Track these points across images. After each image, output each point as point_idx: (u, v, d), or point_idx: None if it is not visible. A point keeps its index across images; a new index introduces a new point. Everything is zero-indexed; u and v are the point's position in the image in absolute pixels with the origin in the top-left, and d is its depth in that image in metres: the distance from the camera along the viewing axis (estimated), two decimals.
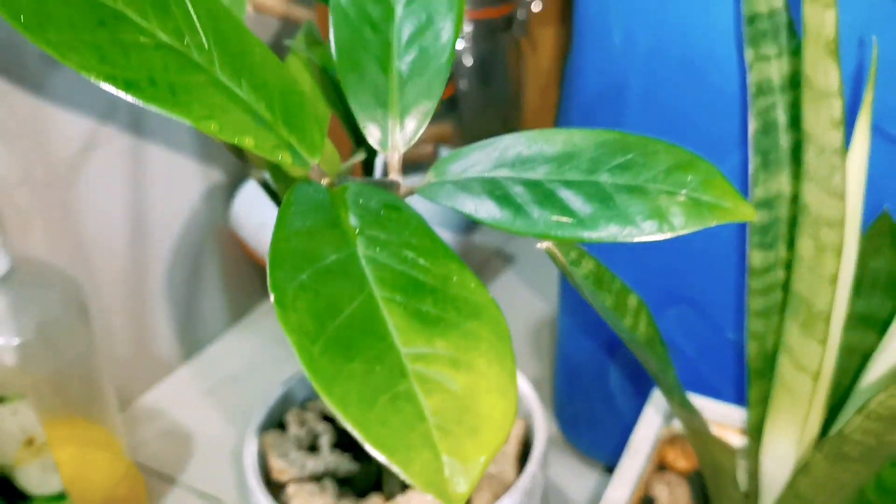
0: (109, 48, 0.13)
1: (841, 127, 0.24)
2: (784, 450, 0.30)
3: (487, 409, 0.12)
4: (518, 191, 0.19)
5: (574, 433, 0.52)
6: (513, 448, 0.38)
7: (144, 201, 0.51)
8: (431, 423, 0.12)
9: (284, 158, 0.15)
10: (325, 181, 0.16)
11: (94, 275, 0.49)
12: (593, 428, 0.51)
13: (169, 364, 0.57)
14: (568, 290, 0.48)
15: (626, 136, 0.19)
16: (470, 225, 0.63)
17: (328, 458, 0.38)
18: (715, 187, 0.18)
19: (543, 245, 0.22)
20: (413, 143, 0.21)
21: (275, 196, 0.28)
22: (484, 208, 0.19)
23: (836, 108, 0.24)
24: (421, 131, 0.21)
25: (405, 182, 0.21)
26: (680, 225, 0.17)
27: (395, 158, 0.21)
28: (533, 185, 0.19)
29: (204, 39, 0.14)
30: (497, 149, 0.20)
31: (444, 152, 0.62)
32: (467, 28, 0.73)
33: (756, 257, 0.31)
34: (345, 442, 0.41)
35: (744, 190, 0.36)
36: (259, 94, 0.15)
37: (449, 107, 0.69)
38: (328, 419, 0.41)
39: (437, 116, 0.71)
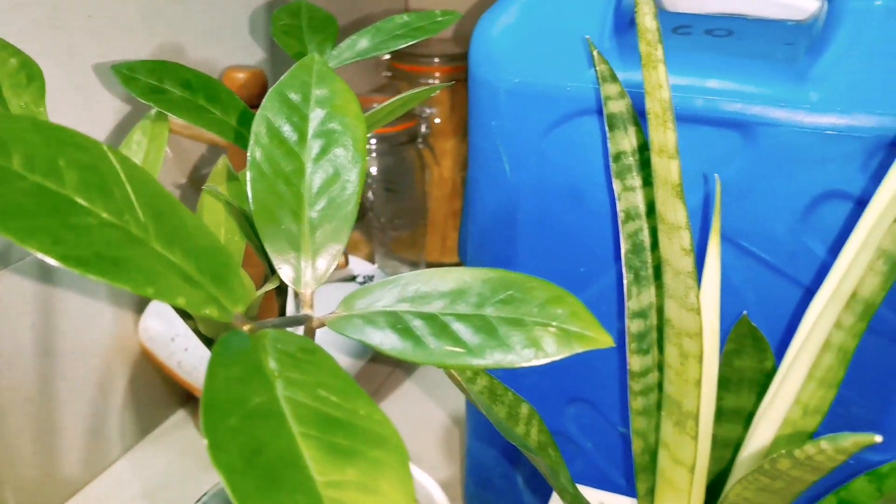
0: (61, 231, 0.15)
1: (691, 254, 0.28)
2: None
3: None
4: (417, 324, 0.21)
5: None
6: None
7: (53, 317, 0.51)
8: None
9: (211, 312, 0.17)
10: (246, 328, 0.19)
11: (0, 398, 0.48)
12: None
13: (76, 483, 0.56)
14: None
15: (507, 273, 0.23)
16: None
17: None
18: (580, 319, 0.21)
19: (447, 372, 0.25)
20: (324, 281, 0.24)
21: (200, 334, 0.30)
22: (388, 340, 0.21)
23: (686, 238, 0.28)
24: (331, 270, 0.24)
25: (317, 316, 0.24)
26: (552, 352, 0.20)
27: (307, 294, 0.24)
28: (430, 319, 0.22)
29: (141, 215, 0.17)
30: (398, 285, 0.23)
31: (354, 261, 0.65)
32: (372, 142, 0.77)
33: (635, 362, 0.35)
34: None
35: (622, 301, 0.40)
36: (190, 257, 0.17)
37: (358, 216, 0.72)
38: None
39: None
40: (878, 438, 0.17)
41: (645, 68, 0.26)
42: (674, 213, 0.28)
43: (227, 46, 0.61)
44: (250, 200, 0.24)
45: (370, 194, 0.75)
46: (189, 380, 0.59)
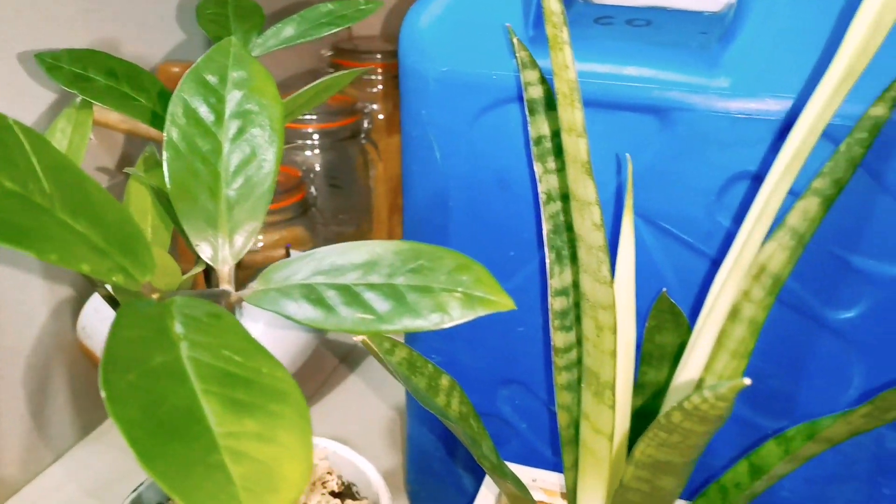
0: None
1: (601, 229, 0.30)
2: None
3: (287, 473, 0.15)
4: (330, 294, 0.22)
5: None
6: None
7: None
8: (238, 486, 0.15)
9: (118, 279, 0.18)
10: (155, 296, 0.19)
11: None
12: None
13: (14, 485, 0.55)
14: None
15: (418, 245, 0.24)
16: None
17: None
18: (484, 284, 0.22)
19: (358, 339, 0.26)
20: (241, 257, 0.25)
21: (117, 307, 0.30)
22: (301, 311, 0.22)
23: (596, 214, 0.29)
24: (248, 247, 0.25)
25: (235, 291, 0.24)
26: (457, 316, 0.21)
27: (225, 271, 0.24)
28: (343, 289, 0.22)
29: (46, 186, 0.18)
30: (315, 259, 0.24)
31: (295, 254, 0.65)
32: (316, 137, 0.77)
33: (559, 338, 0.36)
34: None
35: (545, 282, 0.41)
36: (96, 228, 0.18)
37: (300, 211, 0.73)
38: None
39: (288, 221, 0.75)
40: (747, 381, 0.18)
41: (552, 50, 0.27)
42: (584, 189, 0.29)
43: (163, 41, 0.61)
44: (167, 179, 0.24)
45: (313, 190, 0.76)
46: None
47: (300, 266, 0.24)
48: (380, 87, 0.84)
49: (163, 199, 0.31)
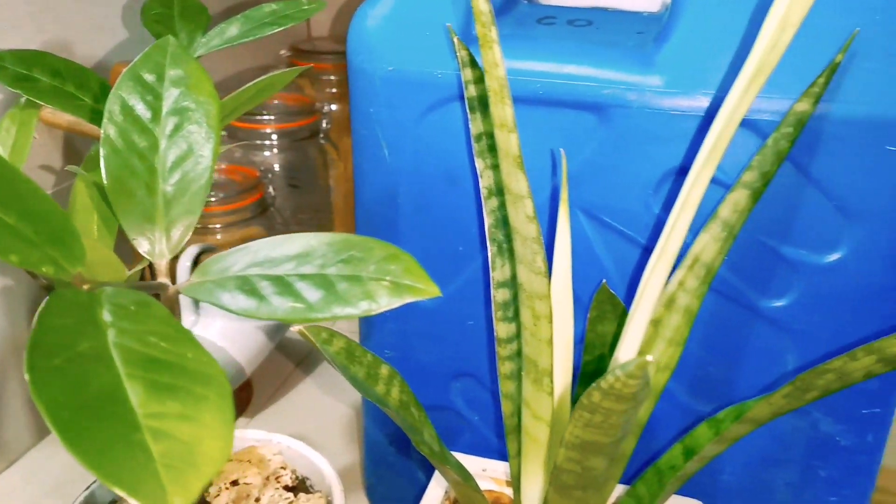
0: None
1: (535, 221, 0.31)
2: (535, 491, 0.35)
3: (207, 450, 0.16)
4: (263, 285, 0.23)
5: None
6: None
7: None
8: (159, 463, 0.15)
9: (48, 270, 0.19)
10: (85, 286, 0.20)
11: None
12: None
13: None
14: None
15: (350, 236, 0.24)
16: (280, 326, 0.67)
17: None
18: (412, 273, 0.23)
19: (296, 329, 0.26)
20: (179, 251, 0.25)
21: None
22: (235, 301, 0.23)
23: (529, 206, 0.30)
24: (185, 241, 0.25)
25: (172, 284, 0.25)
26: (385, 303, 0.22)
27: (162, 265, 0.25)
28: (276, 280, 0.23)
29: None
30: (250, 252, 0.24)
31: None
32: (274, 138, 0.78)
33: (501, 329, 0.37)
34: None
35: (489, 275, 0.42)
36: (26, 220, 0.19)
37: (258, 211, 0.73)
38: None
39: (247, 221, 0.75)
40: (650, 358, 0.19)
41: (482, 48, 0.28)
42: (516, 183, 0.30)
43: (116, 42, 0.61)
44: (104, 176, 0.25)
45: (271, 190, 0.76)
46: None
47: (236, 258, 0.24)
48: (336, 88, 0.84)
49: (104, 194, 0.32)
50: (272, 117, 0.77)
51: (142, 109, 0.26)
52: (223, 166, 0.74)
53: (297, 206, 0.83)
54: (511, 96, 0.29)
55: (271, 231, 0.77)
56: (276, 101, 0.79)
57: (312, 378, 0.72)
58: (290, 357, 0.75)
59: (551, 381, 0.33)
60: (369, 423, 0.54)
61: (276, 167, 0.80)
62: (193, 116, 0.26)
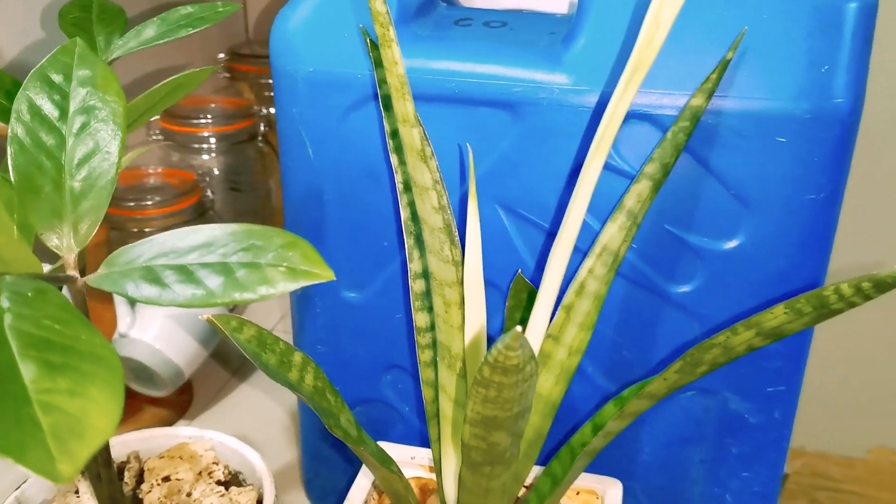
0: None
1: (440, 211, 0.32)
2: (452, 471, 0.36)
3: (95, 422, 0.17)
4: (167, 274, 0.24)
5: None
6: None
7: None
8: (48, 433, 0.16)
9: None
10: None
11: None
12: (340, 499, 0.55)
13: None
14: None
15: (252, 226, 0.26)
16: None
17: None
18: (309, 259, 0.24)
19: (205, 317, 0.27)
20: (86, 244, 0.26)
21: None
22: (139, 291, 0.24)
23: (434, 198, 0.32)
24: (92, 235, 0.26)
25: (80, 277, 0.26)
26: (281, 287, 0.23)
27: (70, 259, 0.26)
28: (179, 269, 0.24)
29: None
30: (157, 243, 0.26)
31: None
32: (212, 140, 0.78)
33: (420, 318, 0.38)
34: None
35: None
36: None
37: (195, 214, 0.73)
38: None
39: (185, 224, 0.75)
40: (519, 329, 0.21)
41: (382, 48, 0.30)
42: (421, 175, 0.31)
43: (46, 47, 0.61)
44: (11, 173, 0.26)
45: (210, 193, 0.76)
46: None
47: (143, 249, 0.25)
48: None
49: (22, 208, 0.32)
50: (209, 120, 0.77)
51: (49, 108, 0.27)
52: (160, 170, 0.74)
53: (237, 210, 0.83)
54: (411, 93, 0.31)
55: None
56: (213, 105, 0.80)
57: (252, 382, 0.73)
58: (230, 362, 0.76)
59: (464, 366, 0.34)
60: (305, 419, 0.54)
61: (216, 170, 0.80)
62: (100, 115, 0.27)
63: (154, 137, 0.78)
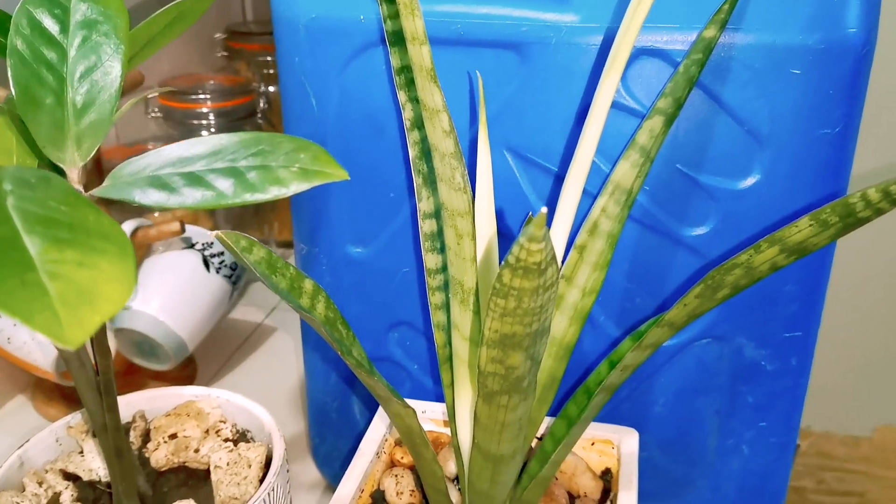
0: None
1: (452, 135, 0.31)
2: (466, 410, 0.35)
3: (106, 291, 0.16)
4: (175, 180, 0.23)
5: (331, 472, 0.56)
6: (255, 472, 0.41)
7: None
8: (55, 299, 0.16)
9: None
10: None
11: None
12: (346, 463, 0.55)
13: None
14: (308, 334, 0.52)
15: (260, 134, 0.25)
16: (233, 296, 0.66)
17: None
18: (321, 160, 0.23)
19: (214, 234, 0.27)
20: (90, 157, 0.25)
21: None
22: (146, 196, 0.23)
23: (445, 120, 0.31)
24: (95, 149, 0.25)
25: (85, 191, 0.25)
26: (295, 188, 0.23)
27: (74, 173, 0.25)
28: (188, 175, 0.23)
29: None
30: (163, 155, 0.25)
31: (191, 229, 0.65)
32: (211, 117, 0.77)
33: (430, 259, 0.37)
34: (89, 497, 0.41)
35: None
36: None
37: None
38: (70, 477, 0.41)
39: None
40: (544, 210, 0.20)
41: None
42: (431, 97, 0.30)
43: None
44: (12, 86, 0.25)
45: None
46: (19, 355, 0.58)
47: (150, 161, 0.25)
48: (272, 69, 0.84)
49: (27, 133, 0.31)
50: (208, 97, 0.76)
51: (49, 23, 0.26)
52: (158, 146, 0.73)
53: None
54: (421, 9, 0.30)
55: (210, 210, 0.76)
56: (211, 82, 0.79)
57: (256, 358, 0.72)
58: (233, 337, 0.75)
59: (477, 300, 0.33)
60: (312, 384, 0.54)
61: None
62: (102, 28, 0.26)
63: (153, 114, 0.77)
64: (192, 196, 0.23)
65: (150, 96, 0.78)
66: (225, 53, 0.86)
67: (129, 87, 0.64)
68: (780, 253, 0.29)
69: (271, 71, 0.85)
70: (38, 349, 0.56)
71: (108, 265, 0.17)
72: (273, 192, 0.23)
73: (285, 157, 0.23)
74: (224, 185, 0.23)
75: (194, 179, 0.23)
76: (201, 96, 0.76)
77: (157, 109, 0.76)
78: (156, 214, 0.71)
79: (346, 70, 0.43)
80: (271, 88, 0.84)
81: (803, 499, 1.06)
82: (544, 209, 0.19)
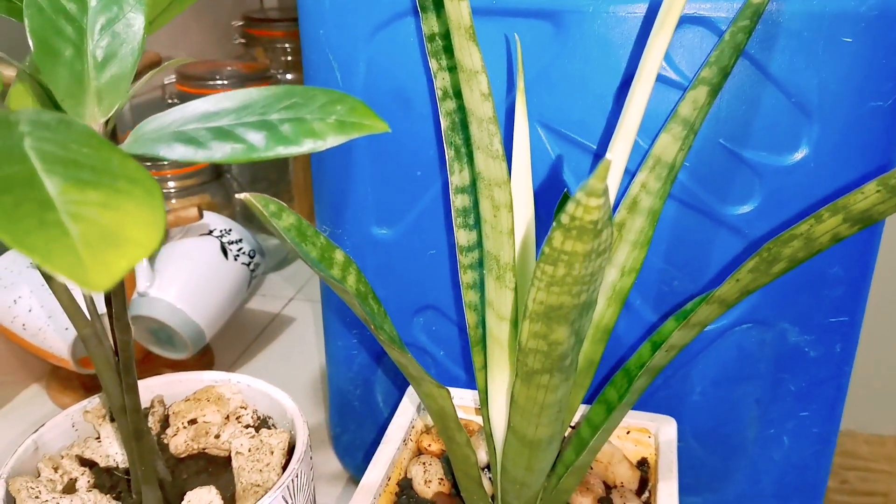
0: None
1: (490, 99, 0.30)
2: (502, 394, 0.34)
3: (133, 234, 0.15)
4: (202, 133, 0.22)
5: (353, 463, 0.54)
6: (277, 459, 0.39)
7: None
8: (77, 239, 0.14)
9: None
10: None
11: None
12: (369, 454, 0.53)
13: None
14: (330, 319, 0.51)
15: (293, 87, 0.23)
16: (252, 284, 0.65)
17: (85, 498, 0.37)
18: (358, 112, 0.22)
19: (243, 196, 0.25)
20: (112, 114, 0.24)
21: None
22: (172, 151, 0.22)
23: (483, 82, 0.29)
24: (116, 105, 0.24)
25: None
26: (332, 140, 0.21)
27: (96, 128, 0.24)
28: (216, 130, 0.22)
29: None
30: (189, 109, 0.23)
31: (209, 216, 0.64)
32: None
33: (462, 236, 0.36)
34: (105, 484, 0.40)
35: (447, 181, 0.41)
36: None
37: (212, 175, 0.71)
38: (87, 463, 0.40)
39: (201, 186, 0.73)
40: (609, 158, 0.18)
41: None
42: (469, 57, 0.29)
43: None
44: (29, 37, 0.23)
45: None
46: (34, 342, 0.56)
47: (175, 116, 0.23)
48: (290, 56, 0.83)
49: (45, 98, 0.30)
50: (226, 82, 0.75)
51: None
52: None
53: (254, 175, 0.81)
54: None
55: (227, 198, 0.75)
56: (229, 68, 0.78)
57: (273, 348, 0.70)
58: (250, 328, 0.73)
59: (514, 276, 0.32)
60: (334, 370, 0.52)
61: None
62: None
63: (170, 101, 0.76)
64: (221, 150, 0.21)
65: (166, 82, 0.76)
66: (242, 41, 0.85)
67: (146, 67, 0.62)
68: (844, 222, 0.27)
69: (289, 58, 0.83)
70: (54, 335, 0.55)
71: (134, 207, 0.15)
72: (308, 146, 0.21)
73: (320, 110, 0.22)
74: (255, 137, 0.21)
75: (223, 133, 0.21)
76: (219, 82, 0.75)
77: (174, 96, 0.75)
78: (173, 201, 0.69)
79: (373, 41, 0.41)
80: (289, 76, 0.83)
81: (826, 498, 1.04)
82: (609, 157, 0.18)
